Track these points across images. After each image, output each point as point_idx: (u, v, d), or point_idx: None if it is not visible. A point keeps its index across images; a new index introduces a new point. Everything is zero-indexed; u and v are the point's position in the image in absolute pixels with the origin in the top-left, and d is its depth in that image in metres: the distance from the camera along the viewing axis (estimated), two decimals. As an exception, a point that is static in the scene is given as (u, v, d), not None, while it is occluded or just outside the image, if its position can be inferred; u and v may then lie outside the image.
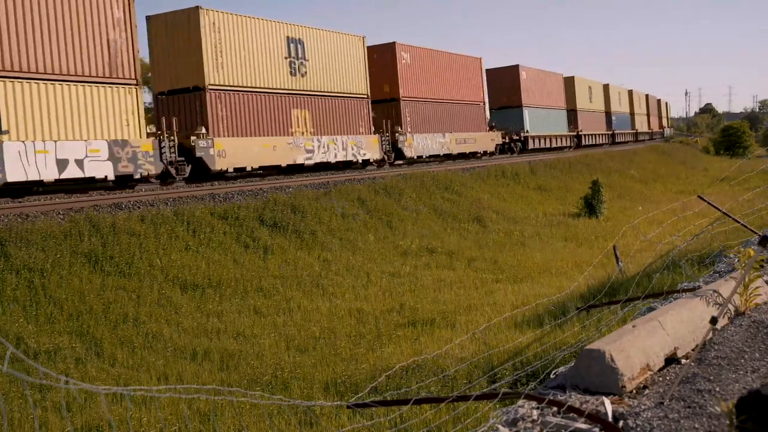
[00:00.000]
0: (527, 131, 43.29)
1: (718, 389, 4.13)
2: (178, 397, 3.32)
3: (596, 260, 11.31)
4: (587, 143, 53.60)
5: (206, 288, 13.17)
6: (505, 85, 43.84)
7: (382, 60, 30.92)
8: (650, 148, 55.72)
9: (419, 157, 32.41)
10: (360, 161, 28.06)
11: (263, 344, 10.27)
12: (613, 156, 44.08)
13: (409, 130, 31.30)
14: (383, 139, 29.54)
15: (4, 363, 1.95)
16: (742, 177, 22.41)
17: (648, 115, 77.63)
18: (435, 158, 34.44)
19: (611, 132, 60.78)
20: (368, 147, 28.47)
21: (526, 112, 43.60)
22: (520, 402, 4.03)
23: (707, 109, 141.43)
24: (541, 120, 45.54)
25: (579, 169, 36.13)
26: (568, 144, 49.96)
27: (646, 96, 78.00)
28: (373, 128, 29.03)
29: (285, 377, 8.71)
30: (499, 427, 3.79)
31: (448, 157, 35.25)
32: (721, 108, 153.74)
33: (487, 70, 43.81)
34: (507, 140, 41.48)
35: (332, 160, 26.35)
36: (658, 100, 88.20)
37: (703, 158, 59.59)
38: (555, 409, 3.83)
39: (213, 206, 17.05)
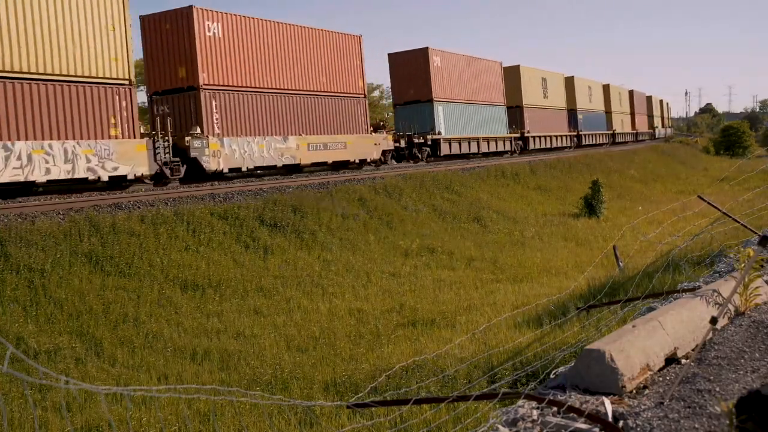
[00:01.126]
0: (439, 132, 33.93)
1: (718, 389, 4.13)
2: (178, 397, 3.31)
3: (596, 260, 11.32)
4: (538, 147, 44.67)
5: (206, 288, 13.18)
6: (412, 74, 34.03)
7: (176, 32, 22.37)
8: (650, 148, 55.57)
9: (235, 169, 23.13)
10: (105, 179, 18.83)
11: (263, 344, 10.27)
12: (613, 156, 44.08)
13: (217, 131, 22.45)
14: (160, 144, 20.22)
15: (4, 363, 1.95)
16: (742, 177, 22.44)
17: (633, 114, 70.17)
18: (271, 171, 26.00)
19: (576, 133, 52.16)
20: (125, 157, 19.07)
21: (438, 109, 34.09)
22: (520, 402, 4.02)
23: (707, 109, 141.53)
24: (464, 118, 36.85)
25: (579, 169, 36.13)
26: (510, 148, 40.75)
27: (630, 92, 70.37)
28: (141, 129, 20.39)
29: (285, 377, 8.70)
30: (499, 427, 3.79)
31: (294, 169, 26.44)
32: (721, 108, 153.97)
33: (389, 54, 34.91)
34: (403, 144, 32.18)
35: (40, 178, 17.12)
36: (648, 97, 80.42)
37: (703, 158, 59.56)
38: (555, 409, 3.83)
39: (213, 206, 17.05)
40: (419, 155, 32.87)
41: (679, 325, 4.86)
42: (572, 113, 52.41)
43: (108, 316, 11.23)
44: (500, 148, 39.44)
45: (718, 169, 45.53)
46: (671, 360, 4.63)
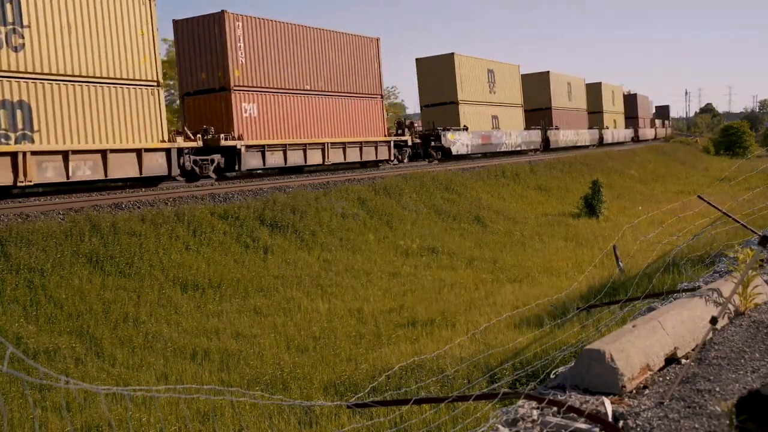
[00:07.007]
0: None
1: (718, 389, 4.13)
2: (177, 397, 3.31)
3: (596, 260, 11.31)
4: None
5: (206, 288, 13.17)
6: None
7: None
8: (650, 148, 55.56)
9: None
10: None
11: (263, 344, 10.27)
12: (613, 156, 44.08)
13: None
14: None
15: (4, 363, 1.95)
16: (742, 177, 22.42)
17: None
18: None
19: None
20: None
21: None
22: (520, 402, 4.02)
23: (707, 109, 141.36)
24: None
25: (579, 169, 36.12)
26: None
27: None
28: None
29: (285, 377, 8.71)
30: (499, 427, 3.79)
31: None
32: (721, 108, 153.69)
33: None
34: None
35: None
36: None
37: (703, 158, 59.53)
38: (555, 409, 3.83)
39: (213, 206, 17.05)
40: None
41: (679, 325, 4.86)
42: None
43: (108, 316, 11.22)
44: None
45: (718, 169, 45.52)
46: (671, 360, 4.63)
